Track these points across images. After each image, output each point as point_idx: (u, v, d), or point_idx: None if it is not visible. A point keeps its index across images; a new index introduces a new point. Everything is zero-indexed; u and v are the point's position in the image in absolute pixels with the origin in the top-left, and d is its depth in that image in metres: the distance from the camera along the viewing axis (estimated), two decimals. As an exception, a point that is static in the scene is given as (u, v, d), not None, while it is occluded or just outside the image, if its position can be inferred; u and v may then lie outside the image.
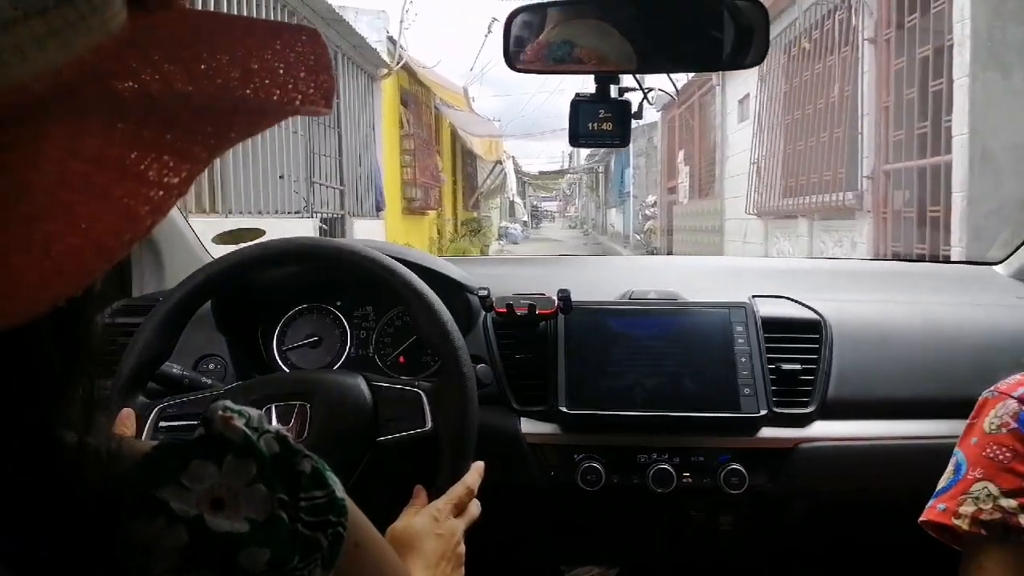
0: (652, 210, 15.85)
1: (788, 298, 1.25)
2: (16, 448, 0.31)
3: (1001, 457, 0.75)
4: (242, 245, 1.01)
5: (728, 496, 1.08)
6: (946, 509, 0.77)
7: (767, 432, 1.10)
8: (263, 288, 1.21)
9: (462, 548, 0.80)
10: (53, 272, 0.25)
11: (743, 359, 1.12)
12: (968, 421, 0.81)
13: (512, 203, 25.17)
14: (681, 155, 13.23)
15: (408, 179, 10.53)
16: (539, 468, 1.11)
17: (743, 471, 1.07)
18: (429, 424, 0.88)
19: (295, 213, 6.61)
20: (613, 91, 1.09)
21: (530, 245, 21.44)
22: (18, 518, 0.30)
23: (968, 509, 0.75)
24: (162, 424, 0.90)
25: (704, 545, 1.25)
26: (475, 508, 0.85)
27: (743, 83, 9.34)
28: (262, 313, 1.26)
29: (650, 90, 1.08)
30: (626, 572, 1.50)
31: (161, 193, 0.27)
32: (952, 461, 0.80)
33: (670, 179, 14.58)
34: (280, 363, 1.24)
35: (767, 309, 1.20)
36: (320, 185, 7.26)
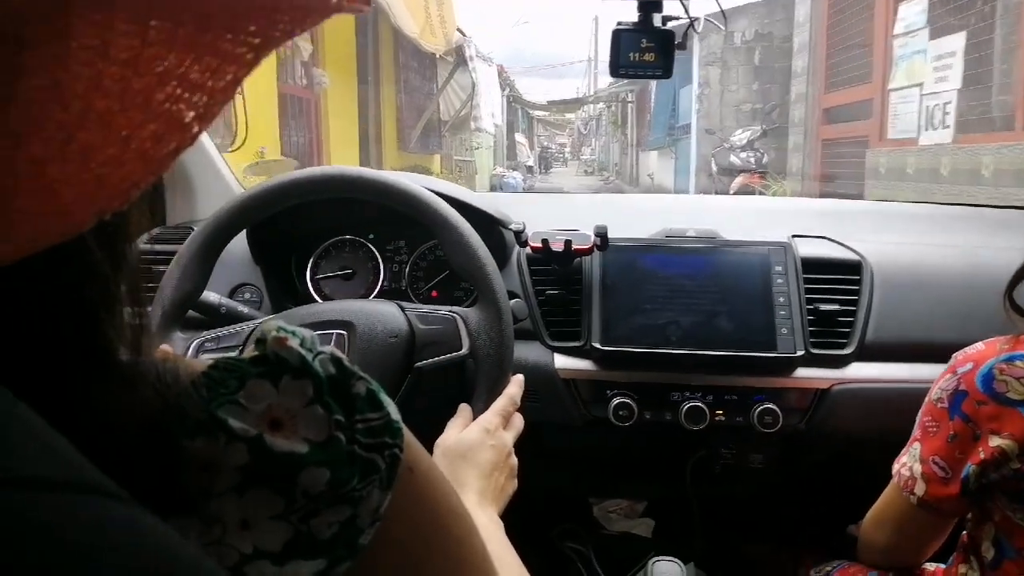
0: (745, 155, 8.42)
1: (828, 238, 1.22)
2: (76, 365, 0.31)
3: (930, 427, 0.81)
4: (276, 176, 1.00)
5: (760, 435, 1.08)
6: (901, 453, 0.87)
7: (803, 372, 1.09)
8: (297, 219, 1.21)
9: (514, 460, 0.81)
10: (94, 184, 0.24)
11: (781, 299, 1.11)
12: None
13: (515, 142, 18.72)
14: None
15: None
16: (572, 403, 1.12)
17: (777, 411, 1.07)
18: (465, 347, 0.88)
19: None
20: (656, 20, 1.05)
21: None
22: (80, 437, 0.30)
23: (903, 459, 0.85)
24: (202, 356, 0.91)
25: (732, 482, 1.26)
26: (519, 421, 0.85)
27: None
28: (296, 244, 1.26)
29: (695, 19, 1.03)
30: (653, 506, 1.53)
31: (205, 98, 0.26)
32: None
33: (830, 89, 7.07)
34: (313, 293, 1.25)
35: (807, 249, 1.17)
36: None
